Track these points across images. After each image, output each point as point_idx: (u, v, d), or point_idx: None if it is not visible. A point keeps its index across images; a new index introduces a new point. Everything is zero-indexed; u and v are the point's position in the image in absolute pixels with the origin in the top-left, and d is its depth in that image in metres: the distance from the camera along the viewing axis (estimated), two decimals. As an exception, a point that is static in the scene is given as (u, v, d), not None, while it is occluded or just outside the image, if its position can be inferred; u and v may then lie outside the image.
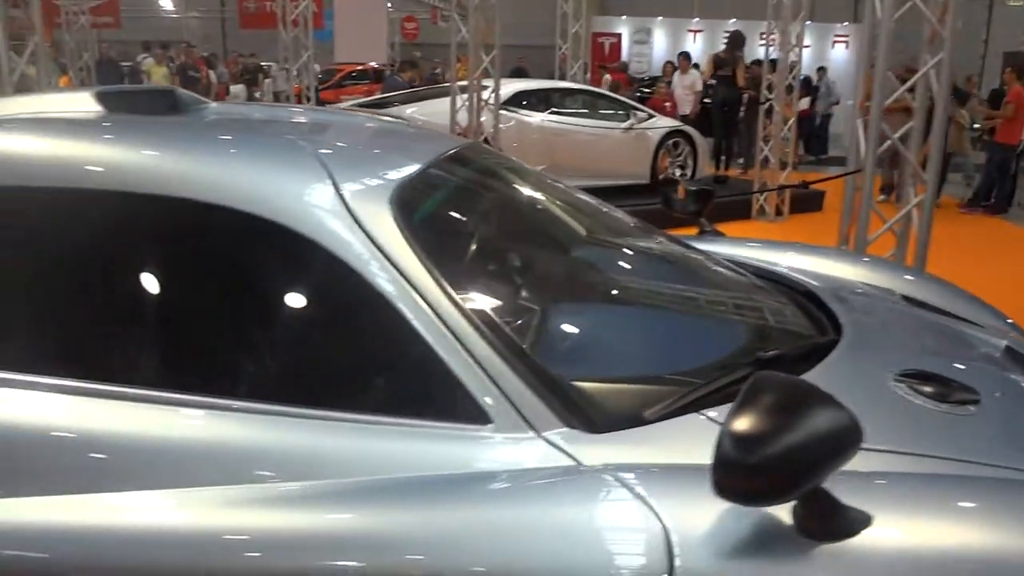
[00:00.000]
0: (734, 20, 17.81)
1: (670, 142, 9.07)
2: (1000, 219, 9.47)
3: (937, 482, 1.37)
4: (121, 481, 1.41)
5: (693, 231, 3.03)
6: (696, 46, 19.76)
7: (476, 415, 1.42)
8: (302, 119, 2.59)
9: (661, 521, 1.22)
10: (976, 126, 10.88)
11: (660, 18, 21.19)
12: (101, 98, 2.01)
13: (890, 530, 1.21)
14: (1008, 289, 5.06)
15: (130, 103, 2.12)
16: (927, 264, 4.34)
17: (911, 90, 4.43)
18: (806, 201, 9.01)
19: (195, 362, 1.56)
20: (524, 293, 1.87)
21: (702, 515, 1.22)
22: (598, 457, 1.37)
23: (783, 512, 1.20)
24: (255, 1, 16.51)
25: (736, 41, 11.27)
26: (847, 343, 1.88)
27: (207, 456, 1.43)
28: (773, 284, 2.36)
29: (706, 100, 12.13)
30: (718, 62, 11.26)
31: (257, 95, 15.46)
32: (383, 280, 1.49)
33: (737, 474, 1.11)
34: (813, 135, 14.13)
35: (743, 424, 1.12)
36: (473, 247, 1.89)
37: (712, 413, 1.49)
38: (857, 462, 1.17)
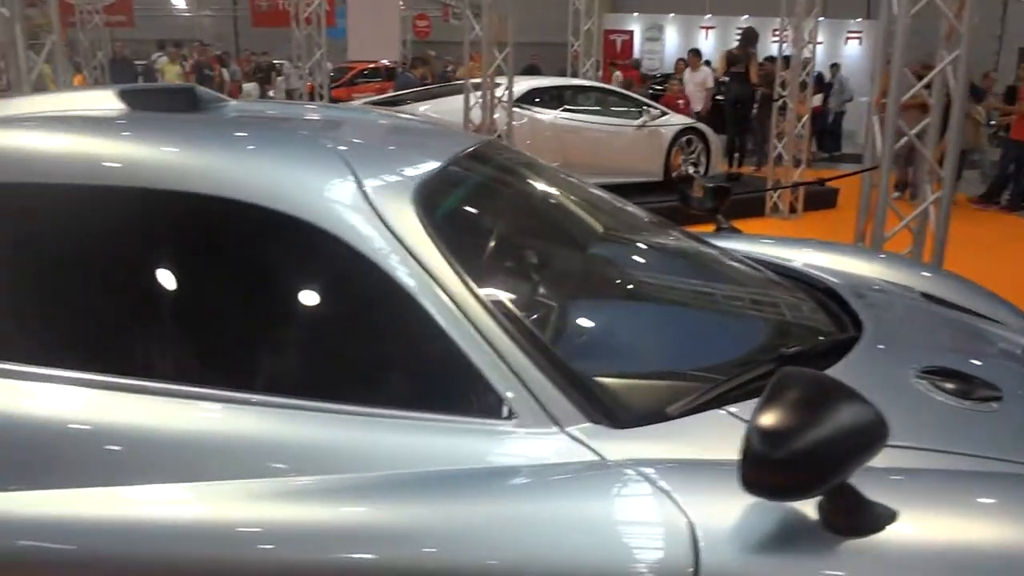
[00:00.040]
0: (746, 17, 17.77)
1: (683, 139, 9.05)
2: (1017, 216, 9.40)
3: (961, 478, 1.37)
4: (156, 474, 1.42)
5: (709, 228, 3.03)
6: (708, 43, 19.73)
7: (499, 410, 1.43)
8: (322, 116, 2.60)
9: (686, 516, 1.22)
10: (992, 123, 10.81)
11: (672, 15, 21.15)
12: (124, 96, 2.03)
13: (915, 526, 1.21)
14: (1025, 286, 5.03)
15: (152, 101, 2.14)
16: (944, 261, 4.32)
17: (928, 86, 4.41)
18: (820, 198, 8.98)
19: (223, 357, 1.57)
20: (545, 289, 1.88)
21: (727, 510, 1.23)
22: (622, 452, 1.38)
23: (808, 507, 1.21)
24: (267, -1, 16.55)
25: (749, 38, 11.23)
26: (868, 340, 1.88)
27: (233, 449, 1.44)
28: (792, 281, 2.36)
29: (719, 97, 12.10)
30: (731, 59, 11.22)
31: (270, 93, 15.51)
32: (407, 276, 1.50)
33: (764, 469, 1.11)
34: (826, 132, 14.06)
35: (770, 419, 1.12)
36: (494, 243, 1.90)
37: (734, 409, 1.49)
38: (881, 458, 1.17)
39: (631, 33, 20.71)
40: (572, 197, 2.41)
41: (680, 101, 10.83)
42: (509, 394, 1.43)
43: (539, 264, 2.04)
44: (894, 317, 2.20)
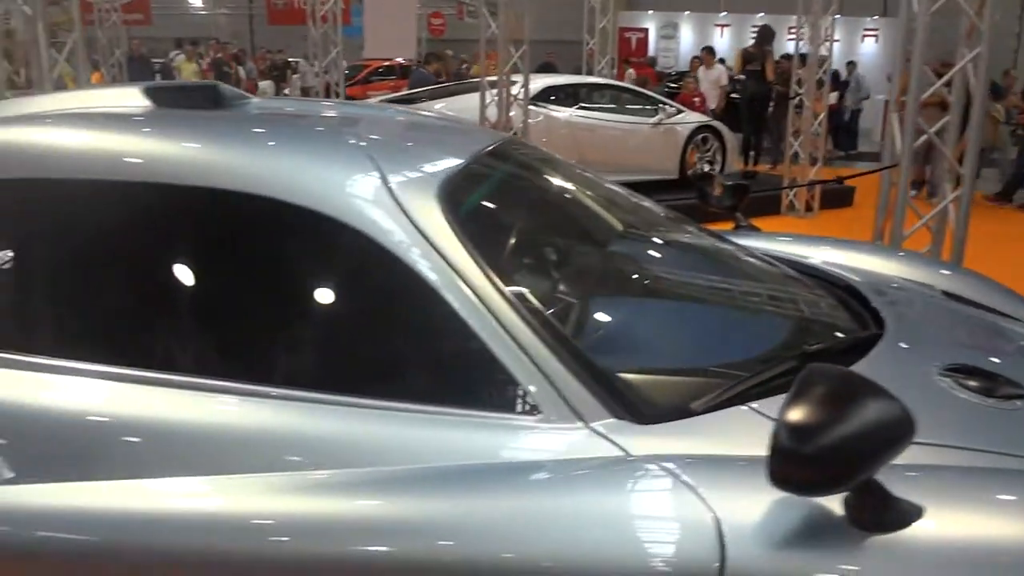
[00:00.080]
0: (762, 14, 17.70)
1: (698, 137, 9.03)
2: (1033, 214, 9.34)
3: (986, 476, 1.37)
4: (194, 468, 1.44)
5: (728, 226, 3.03)
6: (723, 41, 19.68)
7: (524, 405, 1.44)
8: (345, 113, 2.62)
9: (712, 510, 1.23)
10: (1012, 121, 10.72)
11: (687, 12, 21.10)
12: (149, 93, 2.05)
13: (941, 522, 1.21)
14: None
15: (176, 98, 2.16)
16: (963, 260, 4.30)
17: (947, 84, 4.39)
18: (836, 197, 8.94)
19: (252, 352, 1.59)
20: (569, 285, 1.89)
21: (753, 505, 1.23)
22: (646, 448, 1.38)
23: (834, 503, 1.21)
24: (283, -4, 16.62)
25: (765, 36, 11.17)
26: (890, 337, 1.88)
27: (258, 442, 1.46)
28: (813, 278, 2.36)
29: (734, 95, 12.06)
30: (747, 57, 11.17)
31: (285, 91, 15.57)
32: (432, 271, 1.51)
33: (793, 464, 1.12)
34: (842, 130, 13.98)
35: (798, 414, 1.13)
36: (518, 239, 1.91)
37: (758, 405, 1.50)
38: (905, 455, 1.17)
39: (646, 31, 20.69)
40: (593, 194, 2.42)
41: (696, 99, 10.79)
42: (533, 389, 1.44)
43: (562, 260, 2.05)
44: (915, 315, 2.20)
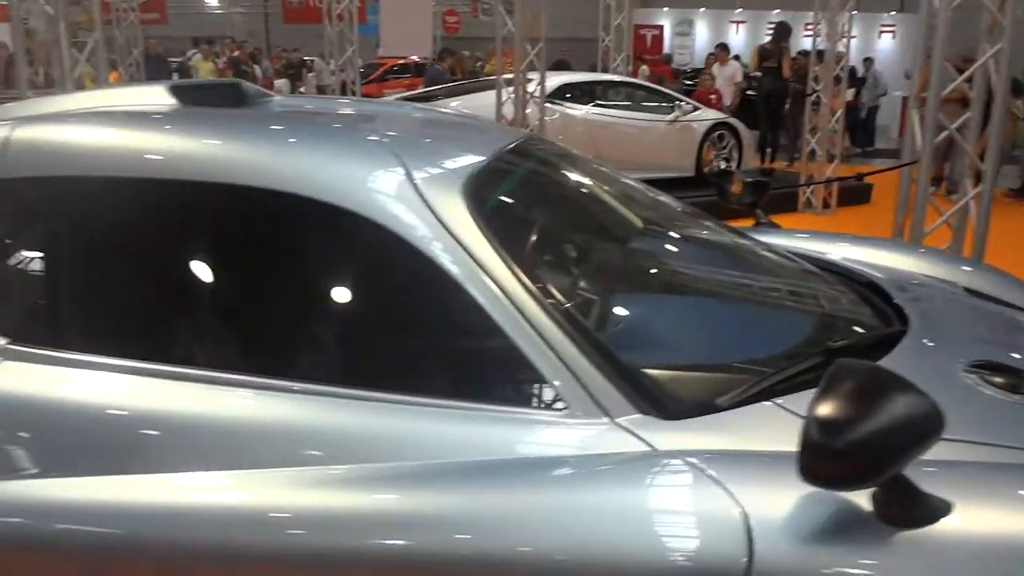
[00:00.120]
0: (778, 11, 17.62)
1: (715, 135, 9.00)
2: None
3: (1014, 472, 1.36)
4: (234, 462, 1.46)
5: (747, 223, 3.02)
6: (739, 38, 19.60)
7: (550, 400, 1.45)
8: (367, 111, 2.63)
9: (740, 505, 1.23)
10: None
11: (702, 9, 21.02)
12: (174, 91, 2.07)
13: (969, 518, 1.21)
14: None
15: (200, 96, 2.18)
16: (984, 257, 4.27)
17: (968, 80, 4.36)
18: (854, 194, 8.88)
19: (281, 348, 1.61)
20: (592, 281, 1.89)
21: (780, 500, 1.23)
22: (672, 443, 1.39)
23: (862, 498, 1.21)
24: (298, -5, 16.67)
25: (782, 32, 11.12)
26: (914, 334, 1.88)
27: (283, 436, 1.47)
28: (836, 275, 2.35)
29: (749, 92, 12.00)
30: (764, 54, 11.12)
31: (301, 89, 15.63)
32: (458, 267, 1.52)
33: (823, 458, 1.12)
34: (859, 126, 13.90)
35: (828, 409, 1.13)
36: (542, 235, 1.92)
37: (783, 401, 1.50)
38: (933, 451, 1.17)
39: (661, 28, 20.62)
40: (614, 191, 2.42)
41: (712, 96, 10.76)
42: (558, 384, 1.45)
43: (585, 256, 2.05)
44: (939, 311, 2.19)
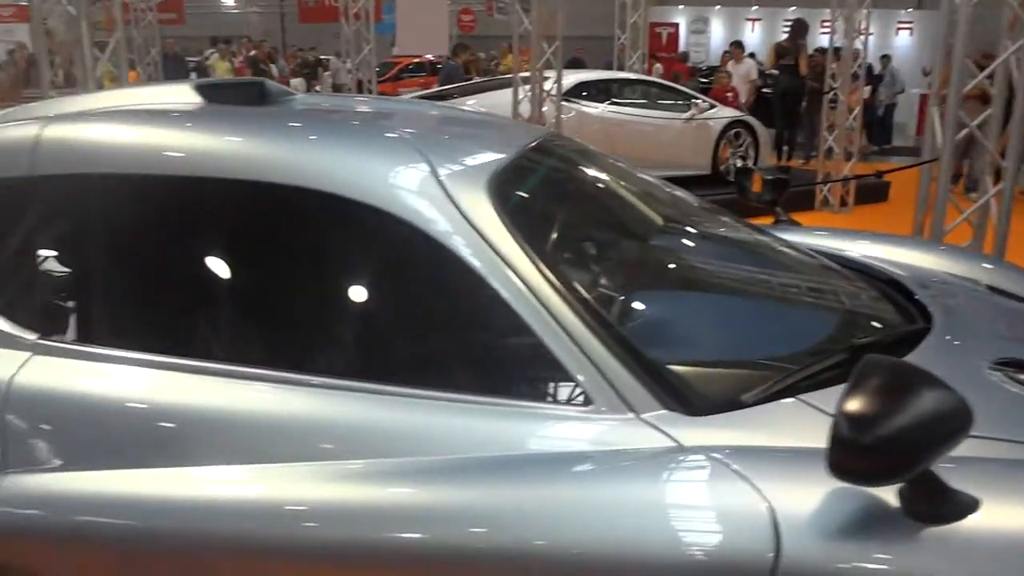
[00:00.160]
0: (794, 8, 17.54)
1: (731, 132, 8.97)
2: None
3: None
4: (257, 456, 1.47)
5: (766, 220, 3.02)
6: (755, 35, 19.52)
7: (576, 396, 1.45)
8: (388, 109, 2.65)
9: (767, 500, 1.23)
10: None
11: (718, 7, 20.96)
12: (200, 90, 2.09)
13: (997, 515, 1.21)
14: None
15: (225, 94, 2.20)
16: (1005, 255, 4.24)
17: (990, 77, 4.33)
18: (871, 192, 8.82)
19: (306, 343, 1.62)
20: (616, 277, 1.90)
21: (807, 496, 1.23)
22: (698, 439, 1.39)
23: (889, 494, 1.21)
24: (314, -5, 16.73)
25: (798, 30, 11.06)
26: (938, 331, 1.87)
27: (303, 430, 1.49)
28: (858, 273, 2.35)
29: (765, 90, 11.95)
30: (780, 51, 11.08)
31: (316, 88, 15.69)
32: (482, 262, 1.53)
33: (852, 454, 1.12)
34: (876, 124, 13.81)
35: (857, 405, 1.13)
36: (567, 232, 1.92)
37: (808, 397, 1.49)
38: (960, 448, 1.17)
39: (677, 26, 20.56)
40: (636, 187, 2.43)
41: (729, 94, 10.72)
42: (583, 379, 1.45)
43: (610, 253, 2.06)
44: (962, 309, 2.18)
